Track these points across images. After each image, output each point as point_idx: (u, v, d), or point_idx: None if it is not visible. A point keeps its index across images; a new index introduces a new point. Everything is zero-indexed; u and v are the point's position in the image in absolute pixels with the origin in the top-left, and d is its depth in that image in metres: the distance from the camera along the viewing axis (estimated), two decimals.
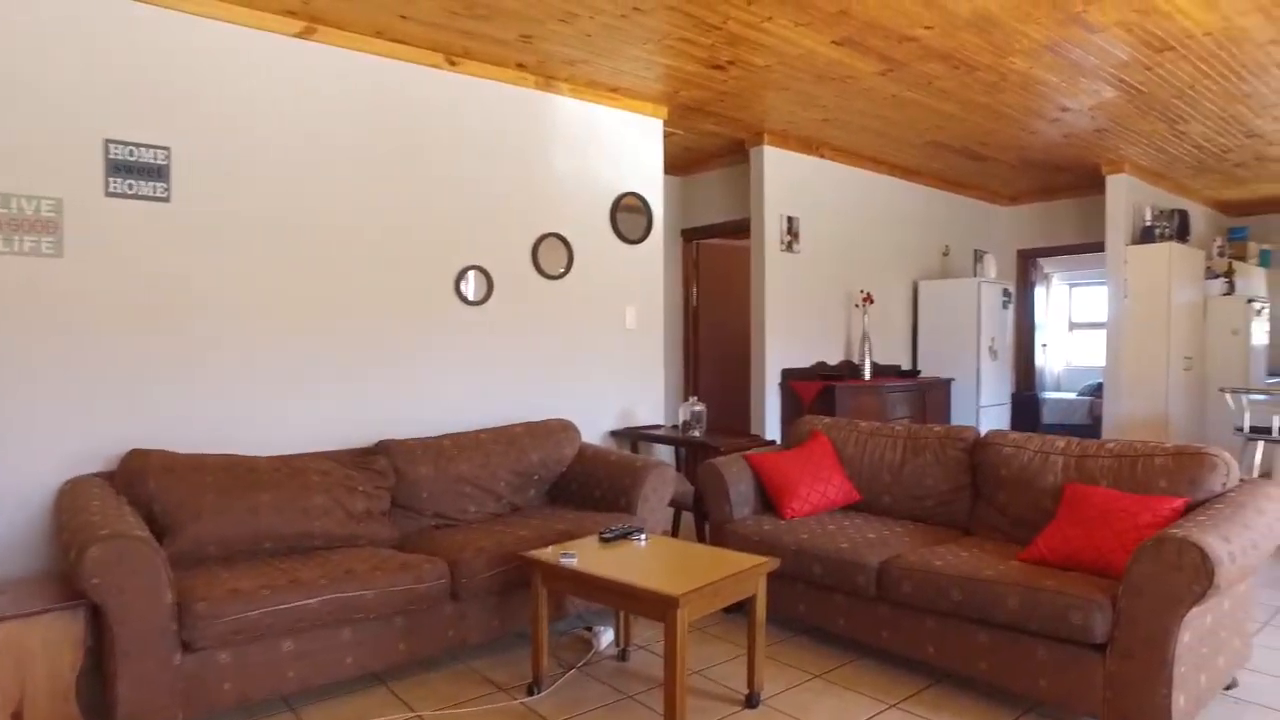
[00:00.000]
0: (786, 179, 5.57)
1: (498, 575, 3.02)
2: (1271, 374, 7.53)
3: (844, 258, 6.03)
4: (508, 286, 4.23)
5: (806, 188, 5.71)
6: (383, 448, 3.51)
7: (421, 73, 3.88)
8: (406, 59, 3.82)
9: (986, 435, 3.38)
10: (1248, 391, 4.62)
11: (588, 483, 3.84)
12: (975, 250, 7.37)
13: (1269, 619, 3.44)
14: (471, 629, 3.02)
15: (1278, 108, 4.86)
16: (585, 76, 4.33)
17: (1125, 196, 6.28)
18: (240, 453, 3.34)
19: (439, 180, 3.96)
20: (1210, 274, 6.84)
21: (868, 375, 5.81)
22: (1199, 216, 7.69)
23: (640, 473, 3.65)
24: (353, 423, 3.70)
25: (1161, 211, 6.38)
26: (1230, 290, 6.88)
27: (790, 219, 5.57)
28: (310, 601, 2.57)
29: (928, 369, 6.53)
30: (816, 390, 5.31)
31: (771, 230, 5.47)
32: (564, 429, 4.04)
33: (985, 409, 6.30)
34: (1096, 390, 8.89)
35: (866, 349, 5.84)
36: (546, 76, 4.31)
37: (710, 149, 5.83)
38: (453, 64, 3.96)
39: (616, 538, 2.97)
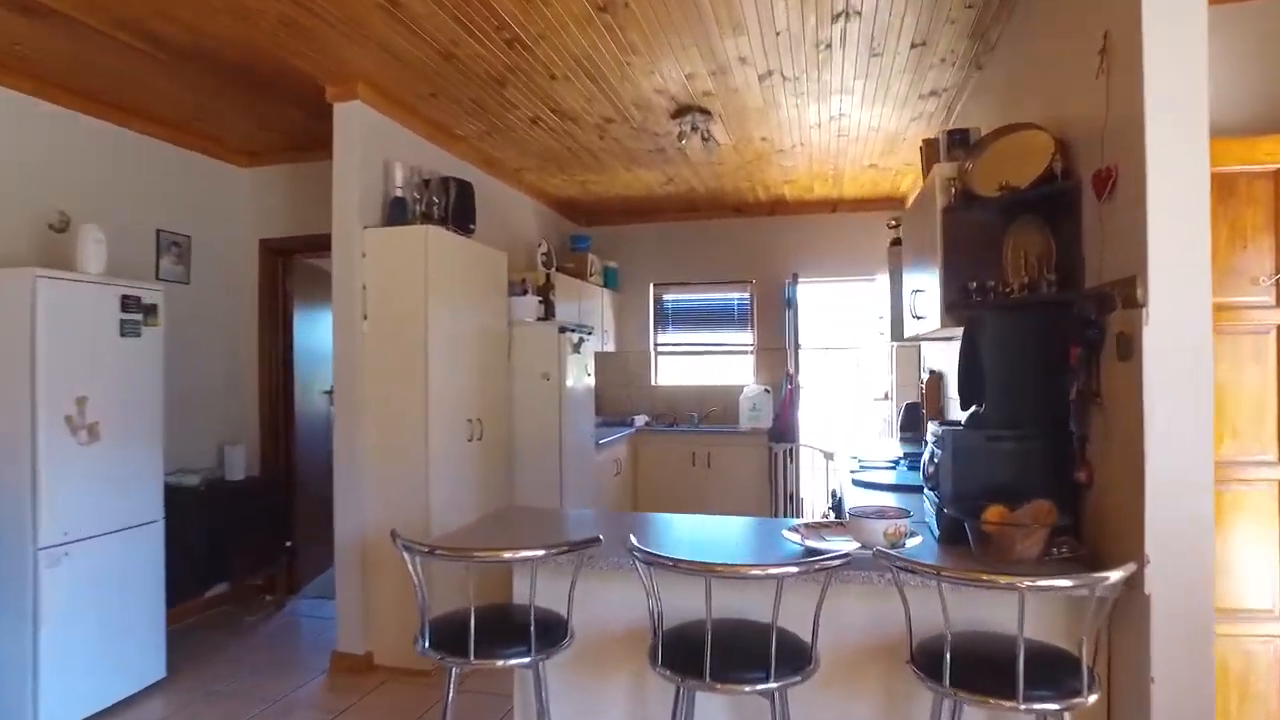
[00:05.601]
0: None
1: None
2: (604, 422, 5.86)
3: None
4: None
5: None
6: None
7: None
8: None
9: None
10: (412, 548, 2.01)
11: None
12: (160, 233, 4.11)
13: None
14: None
15: None
16: None
17: (362, 143, 3.63)
18: None
19: None
20: (517, 289, 4.67)
21: None
22: (529, 211, 5.68)
23: None
24: None
25: (427, 180, 3.90)
26: (548, 314, 4.85)
27: None
28: None
29: None
30: None
31: None
32: None
33: (48, 553, 2.92)
34: None
35: None
36: None
37: None
38: None
39: None
